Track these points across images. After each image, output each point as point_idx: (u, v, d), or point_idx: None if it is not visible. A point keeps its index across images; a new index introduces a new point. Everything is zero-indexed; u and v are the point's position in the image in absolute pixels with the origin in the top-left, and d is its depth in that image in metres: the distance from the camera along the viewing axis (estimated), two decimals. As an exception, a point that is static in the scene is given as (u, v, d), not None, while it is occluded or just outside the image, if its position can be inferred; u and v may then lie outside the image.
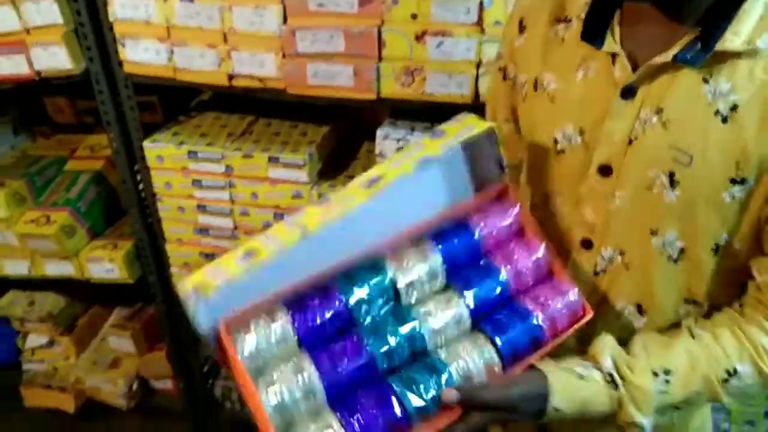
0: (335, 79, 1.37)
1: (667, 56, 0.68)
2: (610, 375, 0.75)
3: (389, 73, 1.33)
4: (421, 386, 0.70)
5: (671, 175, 0.71)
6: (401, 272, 0.75)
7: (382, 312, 0.74)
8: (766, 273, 0.73)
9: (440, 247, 0.77)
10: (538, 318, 0.76)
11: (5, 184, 1.83)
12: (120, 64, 1.51)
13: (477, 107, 1.31)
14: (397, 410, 0.69)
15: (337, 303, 0.72)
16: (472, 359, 0.73)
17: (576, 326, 0.78)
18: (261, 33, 1.36)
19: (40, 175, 1.92)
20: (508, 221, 0.80)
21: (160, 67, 1.47)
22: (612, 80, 0.74)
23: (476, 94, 1.32)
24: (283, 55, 1.37)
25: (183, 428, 2.21)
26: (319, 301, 0.72)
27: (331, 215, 0.71)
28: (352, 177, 1.62)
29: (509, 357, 0.75)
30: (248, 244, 0.70)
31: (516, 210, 0.80)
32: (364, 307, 0.73)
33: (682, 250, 0.75)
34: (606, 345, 0.77)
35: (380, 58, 1.33)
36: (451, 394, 0.70)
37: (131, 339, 2.12)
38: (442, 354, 0.73)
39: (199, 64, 1.44)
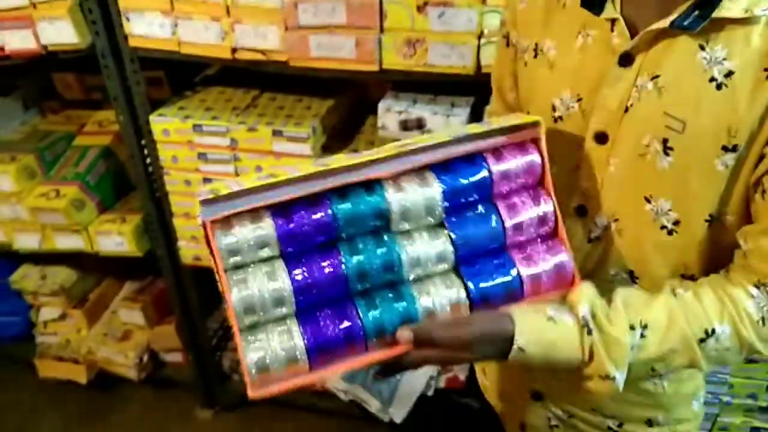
0: (337, 51, 1.37)
1: (665, 22, 0.68)
2: (585, 321, 0.71)
3: (391, 45, 1.33)
4: (384, 311, 0.71)
5: (665, 142, 0.71)
6: (397, 198, 0.73)
7: (368, 233, 0.74)
8: (752, 240, 0.72)
9: (444, 179, 0.75)
10: (522, 275, 0.76)
11: (16, 159, 1.86)
12: (125, 38, 1.52)
13: (479, 79, 1.33)
14: (356, 327, 0.71)
15: (322, 215, 0.72)
16: (439, 297, 0.73)
17: (559, 292, 0.78)
18: (264, 6, 1.37)
19: (50, 149, 1.95)
20: (523, 171, 0.78)
21: (164, 40, 1.48)
22: (610, 47, 0.74)
23: (478, 66, 1.32)
24: (286, 28, 1.38)
25: (192, 399, 2.27)
26: (306, 212, 0.72)
27: (355, 160, 0.72)
28: (356, 151, 1.65)
29: (480, 304, 0.74)
30: (275, 171, 0.72)
31: (537, 161, 0.78)
32: (350, 225, 0.73)
33: (676, 222, 0.75)
34: (585, 293, 0.74)
35: (382, 30, 1.33)
36: (404, 335, 0.71)
37: (141, 312, 2.16)
38: (414, 286, 0.74)
39: (202, 38, 1.45)
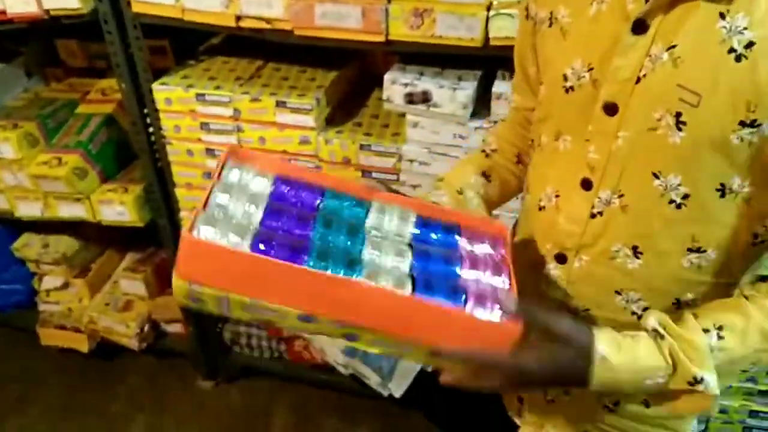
0: (343, 21, 1.35)
1: None
2: (655, 330, 0.71)
3: (398, 15, 1.31)
4: (330, 261, 0.71)
5: (678, 116, 0.68)
6: (375, 216, 0.79)
7: (342, 225, 0.77)
8: None
9: (419, 231, 0.79)
10: (466, 287, 0.73)
11: (18, 126, 1.84)
12: (128, 3, 1.49)
13: (487, 52, 1.30)
14: (305, 242, 0.73)
15: (314, 198, 0.78)
16: (385, 258, 0.73)
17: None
18: (269, -28, 1.34)
19: (52, 117, 1.94)
20: (491, 251, 0.80)
21: (168, 7, 1.46)
22: (624, 13, 0.71)
23: (486, 38, 1.29)
24: (291, -5, 1.35)
25: (193, 370, 2.28)
26: (303, 190, 0.79)
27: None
28: (360, 124, 1.63)
29: (420, 281, 0.72)
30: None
31: (502, 251, 0.80)
32: (331, 214, 0.77)
33: (686, 196, 0.72)
34: (650, 313, 0.74)
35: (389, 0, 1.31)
36: (510, 302, 0.69)
37: (143, 282, 2.16)
38: (368, 248, 0.74)
39: (206, 5, 1.42)
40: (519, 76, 0.98)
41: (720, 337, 0.69)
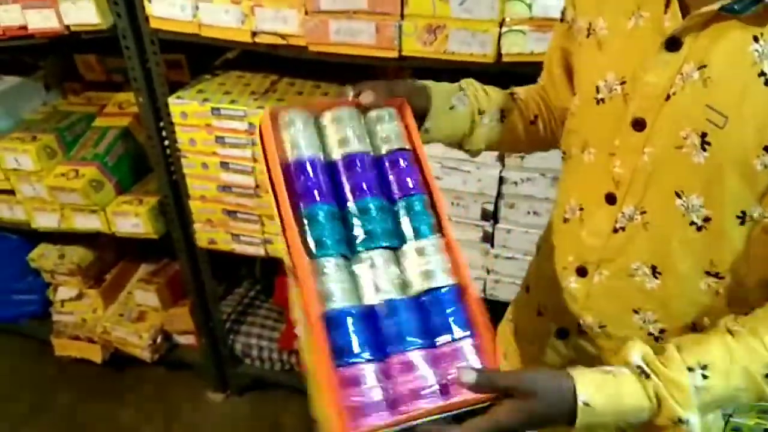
0: (357, 37, 1.36)
1: (714, 6, 0.64)
2: (639, 368, 0.68)
3: (411, 31, 1.32)
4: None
5: (703, 136, 0.68)
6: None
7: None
8: None
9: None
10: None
11: (37, 138, 1.88)
12: (146, 19, 1.52)
13: (499, 68, 1.32)
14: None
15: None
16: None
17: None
18: (284, -11, 1.37)
19: (70, 130, 1.97)
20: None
21: (185, 22, 1.49)
22: (661, 30, 0.70)
23: (498, 54, 1.31)
24: (306, 12, 1.37)
25: (204, 382, 2.29)
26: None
27: None
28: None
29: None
30: None
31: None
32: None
33: (706, 219, 0.72)
34: (633, 345, 0.71)
35: (402, 16, 1.32)
36: (466, 375, 0.63)
37: (156, 294, 2.18)
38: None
39: (223, 20, 1.45)
40: (545, 70, 0.99)
41: (704, 377, 0.68)
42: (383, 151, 0.76)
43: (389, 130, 0.77)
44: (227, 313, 2.24)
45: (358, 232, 0.71)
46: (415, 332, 0.67)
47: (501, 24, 1.28)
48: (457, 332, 0.67)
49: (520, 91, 1.00)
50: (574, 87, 0.88)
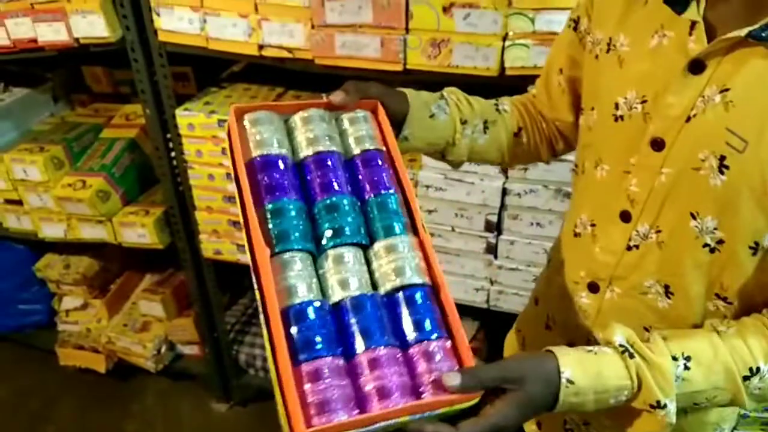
0: (362, 50, 1.38)
1: (742, 32, 0.64)
2: (623, 347, 0.68)
3: (416, 45, 1.34)
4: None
5: (722, 159, 0.67)
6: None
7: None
8: None
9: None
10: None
11: (44, 149, 1.90)
12: (155, 32, 1.55)
13: (503, 81, 1.33)
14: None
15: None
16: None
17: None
18: (291, 3, 1.38)
19: (78, 141, 1.99)
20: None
21: (193, 35, 1.51)
22: (685, 51, 0.70)
23: (502, 68, 1.32)
24: (312, 26, 1.39)
25: (207, 392, 2.29)
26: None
27: None
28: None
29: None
30: None
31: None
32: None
33: (720, 241, 0.72)
34: (616, 327, 0.71)
35: (407, 30, 1.34)
36: (451, 379, 0.62)
37: (161, 304, 2.19)
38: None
39: (230, 34, 1.47)
40: (541, 85, 0.99)
41: (686, 368, 0.68)
42: (356, 152, 0.74)
43: (361, 131, 0.74)
44: (231, 323, 2.25)
45: (326, 229, 0.68)
46: (384, 330, 0.64)
47: (504, 38, 1.30)
48: (429, 332, 0.65)
49: (506, 101, 0.99)
50: (585, 100, 0.87)
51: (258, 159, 0.70)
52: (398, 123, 0.82)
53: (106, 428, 2.22)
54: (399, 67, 1.38)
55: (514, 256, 1.56)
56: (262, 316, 0.65)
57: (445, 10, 1.29)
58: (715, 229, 0.72)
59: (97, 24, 1.54)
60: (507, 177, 1.49)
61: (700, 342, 0.70)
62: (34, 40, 1.63)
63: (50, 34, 1.59)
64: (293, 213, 0.67)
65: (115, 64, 2.14)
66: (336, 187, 0.70)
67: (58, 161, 1.91)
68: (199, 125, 1.64)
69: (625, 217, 0.80)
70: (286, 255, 0.65)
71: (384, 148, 0.75)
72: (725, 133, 0.67)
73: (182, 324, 2.21)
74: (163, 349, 2.23)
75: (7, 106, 2.04)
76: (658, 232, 0.77)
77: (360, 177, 0.73)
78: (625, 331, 0.71)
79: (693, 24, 0.70)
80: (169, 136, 1.72)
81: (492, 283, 1.62)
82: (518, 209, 1.50)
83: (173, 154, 1.75)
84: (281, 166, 0.70)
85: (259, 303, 0.66)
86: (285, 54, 1.46)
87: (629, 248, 0.80)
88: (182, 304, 2.24)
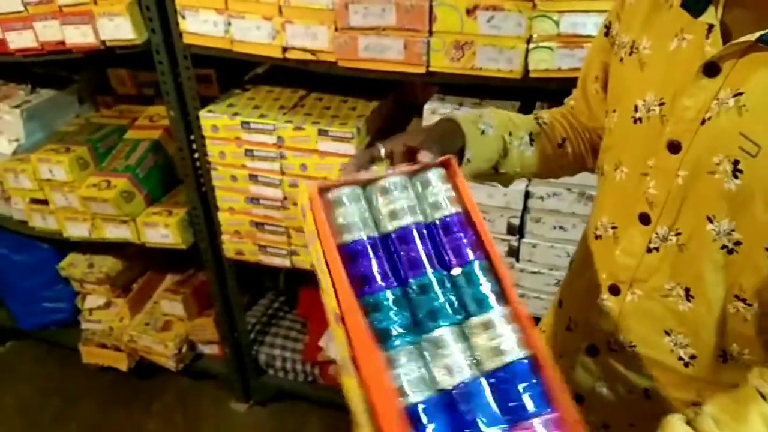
0: (386, 53, 1.39)
1: (752, 36, 0.64)
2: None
3: (439, 47, 1.34)
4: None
5: (735, 164, 0.68)
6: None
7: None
8: None
9: None
10: None
11: (70, 150, 1.92)
12: (180, 35, 1.56)
13: (526, 84, 1.33)
14: None
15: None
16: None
17: None
18: (315, 6, 1.39)
19: (103, 142, 2.02)
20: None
21: (217, 38, 1.52)
22: (701, 54, 0.70)
23: (526, 70, 1.32)
24: (336, 29, 1.40)
25: (227, 392, 2.31)
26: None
27: None
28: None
29: None
30: None
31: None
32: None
33: (737, 243, 0.72)
34: (671, 421, 0.69)
35: (431, 32, 1.34)
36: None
37: (182, 303, 2.21)
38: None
39: (254, 36, 1.48)
40: (579, 92, 0.99)
41: None
42: (435, 218, 0.72)
43: (438, 194, 0.73)
44: (251, 323, 2.26)
45: (422, 311, 0.67)
46: (493, 414, 0.63)
47: (528, 40, 1.29)
48: (536, 407, 0.63)
49: (545, 114, 0.99)
50: (609, 103, 0.88)
51: (347, 246, 0.69)
52: (458, 151, 0.83)
53: (127, 426, 2.25)
54: (422, 70, 1.38)
55: (537, 259, 1.56)
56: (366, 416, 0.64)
57: (469, 12, 1.29)
58: (732, 231, 0.71)
59: (124, 26, 1.56)
60: (530, 180, 1.48)
61: (754, 422, 0.67)
62: (62, 43, 1.65)
63: (77, 36, 1.62)
64: (392, 303, 0.67)
65: (139, 66, 2.17)
66: (425, 263, 0.69)
67: (84, 162, 1.94)
68: (223, 127, 1.66)
69: (645, 219, 0.80)
70: (392, 352, 0.64)
71: (462, 210, 0.73)
72: (739, 137, 0.67)
73: (203, 324, 2.23)
74: (184, 349, 2.25)
75: (34, 107, 2.07)
76: (678, 234, 0.77)
77: (444, 246, 0.72)
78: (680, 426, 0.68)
79: (710, 27, 0.70)
80: (192, 137, 1.74)
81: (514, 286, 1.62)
82: (541, 212, 1.50)
83: (196, 155, 1.77)
84: (371, 252, 0.69)
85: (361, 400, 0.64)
86: (308, 56, 1.47)
87: (649, 250, 0.81)
88: (203, 304, 2.26)
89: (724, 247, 0.73)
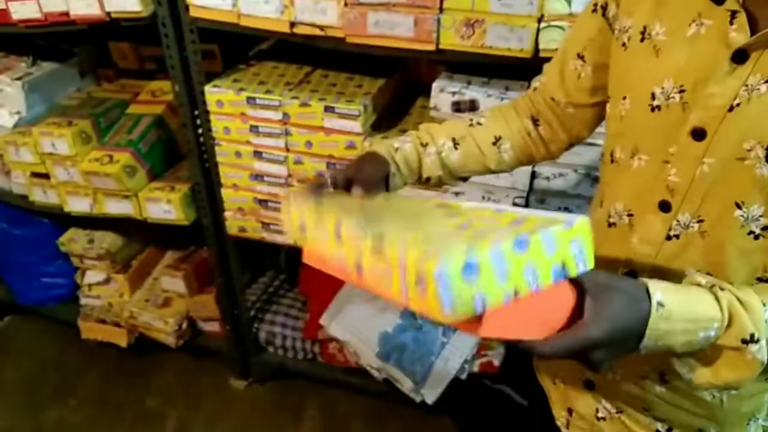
0: (395, 29, 1.38)
1: None
2: (710, 283, 0.68)
3: (450, 25, 1.34)
4: None
5: None
6: None
7: None
8: None
9: None
10: None
11: (73, 123, 1.91)
12: (186, 8, 1.55)
13: (536, 63, 1.33)
14: None
15: None
16: None
17: None
18: (325, -20, 1.38)
19: (105, 116, 2.00)
20: None
21: (224, 12, 1.51)
22: (725, 41, 0.70)
23: (536, 49, 1.32)
24: (345, 4, 1.39)
25: (226, 369, 2.32)
26: None
27: None
28: (404, 131, 1.65)
29: None
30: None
31: None
32: None
33: (765, 228, 0.72)
34: (696, 273, 0.71)
35: (441, 9, 1.33)
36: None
37: (183, 280, 2.21)
38: None
39: (262, 11, 1.47)
40: (555, 61, 0.99)
41: None
42: None
43: None
44: (252, 301, 2.27)
45: None
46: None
47: (539, 20, 1.29)
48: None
49: (486, 114, 1.07)
50: (613, 89, 0.87)
51: None
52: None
53: (126, 402, 2.26)
54: (432, 47, 1.38)
55: (540, 240, 1.56)
56: None
57: (481, -11, 1.29)
58: (761, 216, 0.71)
59: (129, -2, 1.55)
60: (536, 160, 1.48)
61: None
62: (66, 14, 1.63)
63: (82, 7, 1.60)
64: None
65: (141, 40, 2.14)
66: None
67: (86, 135, 1.92)
68: (228, 102, 1.65)
69: (665, 206, 0.80)
70: None
71: None
72: None
73: (203, 300, 2.23)
74: (183, 325, 2.25)
75: (36, 79, 2.05)
76: (701, 221, 0.77)
77: None
78: (708, 276, 0.71)
79: (733, 13, 0.69)
80: (197, 112, 1.73)
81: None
82: (546, 193, 1.50)
83: (200, 130, 1.76)
84: None
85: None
86: (317, 32, 1.46)
87: (669, 238, 0.80)
88: (203, 281, 2.26)
89: (751, 233, 0.73)
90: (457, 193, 1.56)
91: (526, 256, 0.61)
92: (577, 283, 0.67)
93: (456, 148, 1.02)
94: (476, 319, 0.61)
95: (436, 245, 0.63)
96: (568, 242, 0.64)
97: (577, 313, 0.67)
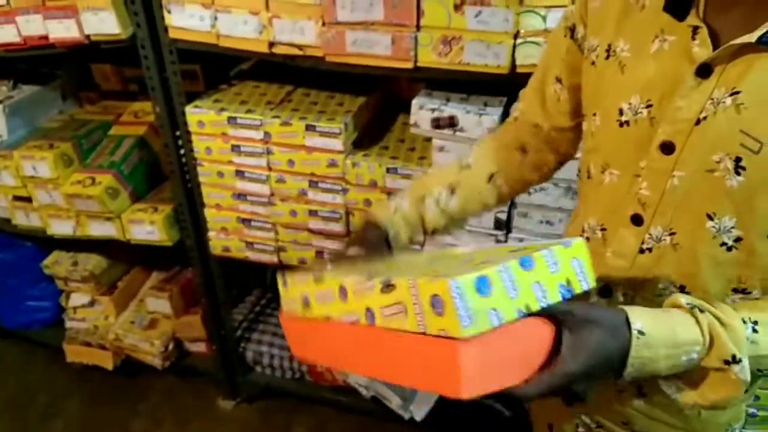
0: (373, 48, 1.39)
1: (752, 37, 0.64)
2: (691, 305, 0.69)
3: (427, 42, 1.34)
4: None
5: (737, 161, 0.68)
6: None
7: None
8: None
9: None
10: None
11: (54, 146, 1.90)
12: (165, 29, 1.55)
13: (513, 79, 1.34)
14: None
15: None
16: None
17: None
18: (302, 0, 1.39)
19: (87, 138, 1.99)
20: None
21: (203, 33, 1.51)
22: (688, 56, 0.70)
23: (513, 65, 1.33)
24: (323, 23, 1.40)
25: (214, 389, 2.30)
26: None
27: None
28: (386, 148, 1.67)
29: None
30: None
31: None
32: None
33: (738, 239, 0.73)
34: (679, 294, 0.72)
35: (418, 27, 1.34)
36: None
37: (168, 301, 2.19)
38: None
39: (241, 31, 1.47)
40: (533, 87, 1.00)
41: (755, 331, 0.68)
42: None
43: None
44: (238, 320, 2.25)
45: None
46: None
47: (516, 36, 1.30)
48: None
49: (471, 154, 1.04)
50: (586, 106, 0.87)
51: None
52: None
53: (113, 425, 2.23)
54: (410, 65, 1.38)
55: (523, 254, 1.56)
56: None
57: (457, 7, 1.29)
58: (732, 227, 0.72)
59: (108, 21, 1.55)
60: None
61: (765, 310, 0.71)
62: (45, 37, 1.63)
63: (61, 30, 1.60)
64: None
65: (123, 62, 2.14)
66: None
67: (68, 158, 1.92)
68: (209, 122, 1.65)
69: (637, 220, 0.80)
70: None
71: None
72: (739, 134, 0.67)
73: (189, 321, 2.21)
74: (170, 347, 2.23)
75: (17, 103, 2.04)
76: (672, 234, 0.77)
77: None
78: (689, 297, 0.71)
79: (695, 29, 0.70)
80: (178, 133, 1.73)
81: (501, 281, 1.62)
82: (528, 207, 1.51)
83: (182, 151, 1.76)
84: None
85: None
86: (296, 51, 1.46)
87: (642, 251, 0.81)
88: (189, 302, 2.24)
89: (723, 244, 0.73)
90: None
91: (532, 272, 0.63)
92: (552, 317, 0.66)
93: (453, 195, 1.00)
94: (454, 381, 0.61)
95: (445, 272, 0.63)
96: (569, 260, 0.66)
97: (555, 348, 0.67)
